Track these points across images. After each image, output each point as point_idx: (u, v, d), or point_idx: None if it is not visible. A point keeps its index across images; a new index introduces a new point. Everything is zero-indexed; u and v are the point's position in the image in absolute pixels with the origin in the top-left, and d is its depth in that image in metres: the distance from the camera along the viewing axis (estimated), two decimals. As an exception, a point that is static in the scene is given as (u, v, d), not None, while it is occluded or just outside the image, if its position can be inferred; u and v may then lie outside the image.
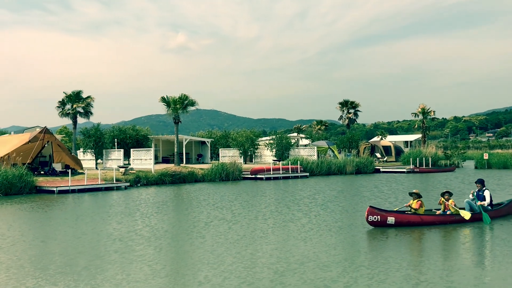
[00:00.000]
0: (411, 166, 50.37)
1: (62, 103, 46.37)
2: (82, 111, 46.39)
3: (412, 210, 15.79)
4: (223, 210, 19.77)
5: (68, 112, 46.24)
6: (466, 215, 15.74)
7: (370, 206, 15.70)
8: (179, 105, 42.98)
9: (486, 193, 16.35)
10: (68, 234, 14.54)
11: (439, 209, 16.48)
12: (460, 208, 16.18)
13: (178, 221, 17.25)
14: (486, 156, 55.43)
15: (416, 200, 15.80)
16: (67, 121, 49.59)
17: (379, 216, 15.35)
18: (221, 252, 11.81)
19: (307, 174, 43.49)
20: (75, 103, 45.86)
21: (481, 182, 16.63)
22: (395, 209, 16.88)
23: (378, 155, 60.45)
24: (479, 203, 16.25)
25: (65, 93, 46.00)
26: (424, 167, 51.32)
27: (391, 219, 15.39)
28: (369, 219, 15.40)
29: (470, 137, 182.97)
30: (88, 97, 46.66)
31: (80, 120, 47.13)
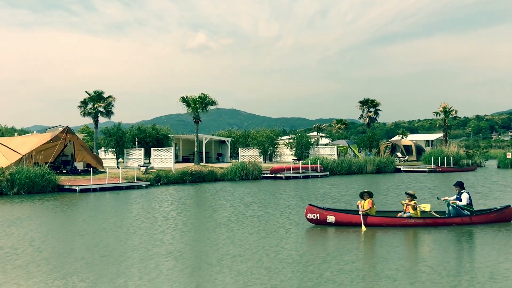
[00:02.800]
0: (433, 166, 49.82)
1: (84, 103, 46.86)
2: (103, 110, 46.82)
3: (363, 211, 15.14)
4: (241, 208, 19.75)
5: (89, 111, 46.72)
6: (427, 207, 15.44)
7: (310, 204, 15.71)
8: (199, 104, 43.12)
9: (464, 196, 15.51)
10: (92, 231, 14.67)
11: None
12: (436, 212, 15.64)
13: (199, 219, 17.27)
14: (509, 155, 54.59)
15: (367, 201, 15.37)
16: (89, 121, 50.18)
17: (318, 215, 15.27)
18: (236, 249, 11.79)
19: (327, 173, 43.28)
20: (97, 102, 46.31)
21: (459, 185, 15.87)
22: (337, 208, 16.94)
23: (399, 154, 59.92)
24: (454, 201, 15.68)
25: (88, 93, 46.45)
26: (445, 166, 50.74)
27: (331, 218, 15.20)
28: (308, 217, 15.40)
29: (493, 136, 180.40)
30: (109, 96, 47.08)
31: (101, 119, 47.65)
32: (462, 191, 15.70)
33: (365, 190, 15.86)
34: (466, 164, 55.97)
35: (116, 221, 17.03)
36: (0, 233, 14.82)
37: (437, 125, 67.18)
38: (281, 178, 39.29)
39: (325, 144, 59.37)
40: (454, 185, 16.13)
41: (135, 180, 31.87)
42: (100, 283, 9.18)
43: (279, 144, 54.07)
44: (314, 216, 15.31)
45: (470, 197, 15.70)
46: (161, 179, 34.37)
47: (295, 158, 48.87)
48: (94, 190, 28.92)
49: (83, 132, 70.15)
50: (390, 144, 62.79)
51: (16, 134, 48.95)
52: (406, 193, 15.79)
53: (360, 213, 14.99)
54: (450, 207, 15.52)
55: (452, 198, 15.99)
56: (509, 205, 15.84)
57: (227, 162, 49.64)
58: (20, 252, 12.06)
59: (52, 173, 29.63)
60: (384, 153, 57.29)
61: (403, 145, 62.81)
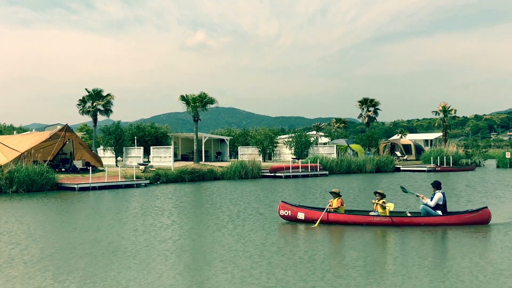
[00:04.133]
0: (432, 165, 49.80)
1: (83, 101, 46.73)
2: (102, 108, 46.67)
3: (332, 209, 15.54)
4: (240, 207, 19.71)
5: (88, 110, 46.57)
6: (391, 206, 15.33)
7: (282, 201, 16.34)
8: (198, 103, 43.02)
9: (436, 195, 15.21)
10: (93, 229, 14.64)
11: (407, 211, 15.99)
12: (412, 213, 15.62)
13: (198, 217, 17.22)
14: (508, 155, 54.62)
15: (336, 199, 15.73)
16: (88, 119, 50.02)
17: (290, 211, 15.81)
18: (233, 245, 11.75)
19: (327, 172, 43.25)
20: (96, 101, 46.18)
21: (436, 185, 15.55)
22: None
23: (398, 153, 59.89)
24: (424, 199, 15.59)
25: (87, 91, 46.33)
26: (445, 166, 50.73)
27: (301, 215, 15.67)
28: (280, 213, 16.02)
29: (491, 135, 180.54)
30: (108, 95, 46.97)
31: (100, 117, 47.43)
32: (437, 191, 15.39)
33: (333, 190, 16.21)
34: (466, 163, 55.96)
35: (116, 219, 16.99)
36: (3, 230, 14.82)
37: (436, 124, 67.17)
38: (280, 177, 39.24)
39: (324, 143, 59.33)
40: (431, 184, 15.80)
41: (134, 179, 31.80)
42: (101, 279, 9.19)
43: (278, 143, 54.02)
44: (286, 212, 15.90)
45: (444, 198, 15.36)
46: (160, 178, 34.30)
47: (294, 157, 48.83)
48: (93, 188, 28.84)
49: (82, 131, 70.06)
50: (389, 143, 62.75)
51: (14, 132, 48.86)
52: (376, 192, 15.88)
53: (327, 209, 15.40)
54: (421, 207, 15.47)
55: (427, 199, 15.72)
56: (486, 207, 15.43)
57: (226, 161, 49.60)
58: (25, 248, 12.17)
59: (51, 172, 29.54)
60: (383, 153, 57.24)
61: (402, 145, 62.78)
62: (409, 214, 15.47)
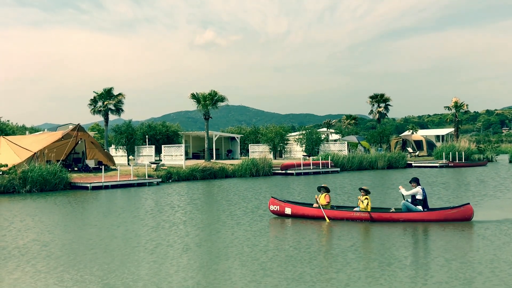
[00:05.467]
0: (444, 161, 49.52)
1: (94, 101, 46.94)
2: (113, 108, 46.84)
3: (318, 205, 15.87)
4: (253, 203, 19.72)
5: (99, 109, 46.78)
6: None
7: (272, 197, 17.10)
8: (208, 101, 43.10)
9: (414, 189, 15.21)
10: (107, 226, 14.74)
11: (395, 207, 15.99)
12: (397, 209, 15.57)
13: (211, 214, 17.26)
14: (521, 150, 54.17)
15: (323, 195, 16.05)
16: (99, 118, 50.26)
17: (278, 206, 16.49)
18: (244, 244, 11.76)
19: (338, 169, 43.15)
20: (107, 100, 46.38)
21: (415, 180, 15.51)
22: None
23: (409, 149, 59.63)
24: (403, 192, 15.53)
25: (96, 93, 46.52)
26: (457, 161, 50.42)
27: (288, 210, 16.31)
28: (270, 208, 16.70)
29: (503, 130, 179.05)
30: (119, 94, 47.14)
31: (112, 117, 47.61)
32: (417, 186, 15.36)
33: (322, 185, 16.56)
34: (478, 159, 55.59)
35: (131, 216, 17.12)
36: (21, 228, 15.02)
37: (448, 120, 66.78)
38: (291, 174, 39.21)
39: (335, 140, 59.19)
40: (410, 181, 15.76)
41: (146, 177, 31.91)
42: (120, 273, 9.32)
43: (289, 141, 53.97)
44: (275, 207, 16.57)
45: (424, 193, 15.30)
46: (172, 176, 34.41)
47: (305, 154, 48.76)
48: (106, 187, 28.98)
49: (93, 130, 70.34)
50: (401, 139, 62.47)
51: (27, 132, 49.19)
52: (360, 188, 15.97)
53: (321, 207, 15.72)
54: (402, 203, 15.48)
55: (409, 192, 15.56)
56: (468, 203, 15.33)
57: (237, 159, 49.62)
58: (45, 245, 12.47)
59: (64, 171, 29.71)
60: (394, 149, 57.02)
61: (414, 140, 62.50)
62: (393, 210, 15.51)
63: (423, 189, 15.40)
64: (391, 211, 15.43)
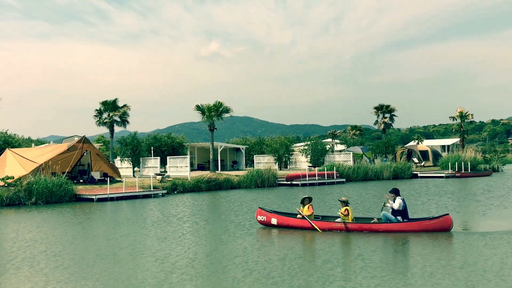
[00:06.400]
0: (450, 171, 49.32)
1: (99, 112, 47.10)
2: (118, 119, 46.96)
3: (302, 215, 16.10)
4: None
5: (105, 121, 46.93)
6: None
7: (259, 207, 17.42)
8: (213, 112, 43.17)
9: (396, 201, 15.33)
10: (114, 237, 14.76)
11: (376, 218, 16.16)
12: (378, 219, 15.71)
13: (217, 225, 17.24)
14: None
15: (307, 206, 16.31)
16: (104, 130, 50.44)
17: (265, 217, 16.81)
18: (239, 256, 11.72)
19: (344, 180, 43.02)
20: (112, 112, 46.52)
21: (395, 191, 15.67)
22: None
23: (415, 160, 59.45)
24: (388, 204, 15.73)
25: (101, 103, 46.68)
26: (463, 171, 50.22)
27: (274, 220, 16.59)
28: (258, 218, 17.03)
29: (509, 140, 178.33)
30: (124, 105, 47.30)
31: (117, 128, 47.73)
32: (396, 197, 15.48)
33: (306, 196, 16.86)
34: (484, 168, 55.36)
35: (137, 228, 17.12)
36: (30, 239, 15.12)
37: (453, 130, 66.61)
38: (297, 185, 39.12)
39: (340, 151, 59.09)
40: (390, 192, 15.91)
41: (152, 189, 31.90)
42: (126, 285, 9.33)
43: (294, 151, 53.91)
44: (262, 218, 16.89)
45: (404, 204, 15.43)
46: (177, 188, 34.39)
47: (310, 165, 48.65)
48: (111, 199, 28.98)
49: (99, 142, 70.59)
50: (406, 149, 62.31)
51: (33, 144, 49.36)
52: (339, 200, 16.28)
53: (306, 218, 15.92)
54: (381, 213, 15.61)
55: (390, 204, 15.75)
56: (447, 214, 15.36)
57: (242, 170, 49.58)
58: (54, 256, 12.69)
59: (69, 183, 29.74)
60: (400, 159, 56.85)
61: (419, 151, 62.30)
62: (375, 221, 15.65)
63: (403, 200, 15.57)
64: (372, 221, 15.63)
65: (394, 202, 15.43)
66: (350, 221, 15.43)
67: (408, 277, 9.82)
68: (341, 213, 15.64)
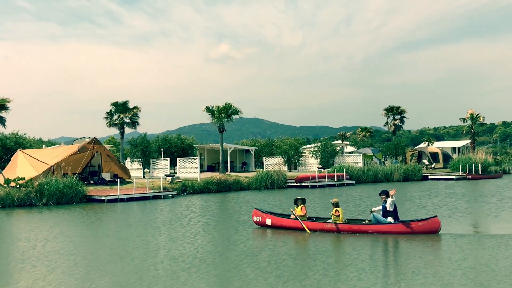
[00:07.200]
0: (461, 173, 49.04)
1: (110, 114, 47.32)
2: (129, 121, 47.19)
3: (295, 216, 16.41)
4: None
5: (115, 122, 47.13)
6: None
7: (255, 208, 17.88)
8: (223, 114, 43.23)
9: (388, 202, 15.48)
10: (126, 237, 14.86)
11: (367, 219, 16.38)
12: (369, 221, 15.92)
13: (226, 226, 17.30)
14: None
15: (300, 207, 16.63)
16: (115, 131, 50.59)
17: (260, 217, 17.20)
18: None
19: (353, 181, 42.92)
20: (122, 113, 46.74)
21: (385, 193, 15.85)
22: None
23: (425, 161, 59.19)
24: (374, 209, 15.99)
25: (113, 104, 46.91)
26: (474, 173, 49.92)
27: (268, 221, 16.95)
28: (254, 219, 17.44)
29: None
30: (135, 107, 47.49)
31: (127, 130, 47.97)
32: (387, 199, 15.66)
33: (299, 197, 17.24)
34: (495, 171, 54.99)
35: (147, 228, 17.23)
36: (43, 239, 15.26)
37: (464, 131, 66.26)
38: (306, 187, 39.08)
39: (350, 152, 58.94)
40: (380, 194, 16.13)
41: (162, 190, 32.01)
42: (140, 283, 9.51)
43: (303, 153, 53.84)
44: (257, 218, 17.28)
45: (395, 205, 15.63)
46: (187, 189, 34.49)
47: (320, 166, 48.58)
48: (122, 200, 29.11)
49: (109, 143, 70.91)
50: (417, 151, 62.03)
51: (44, 145, 49.70)
52: (331, 202, 16.54)
53: (299, 219, 16.24)
54: (372, 215, 15.81)
55: (377, 208, 16.06)
56: (435, 216, 15.50)
57: (251, 171, 49.59)
58: (70, 255, 12.95)
59: (80, 184, 29.91)
60: (410, 161, 56.61)
61: (430, 153, 62.04)
62: (366, 222, 15.91)
63: (393, 201, 15.73)
64: (363, 223, 15.90)
65: (385, 203, 15.61)
66: (341, 222, 15.74)
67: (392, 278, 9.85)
68: (332, 214, 16.00)
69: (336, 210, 15.88)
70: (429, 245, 13.52)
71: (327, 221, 16.11)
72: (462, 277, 9.89)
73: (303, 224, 16.01)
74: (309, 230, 15.85)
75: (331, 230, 15.69)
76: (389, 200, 15.52)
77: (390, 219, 15.46)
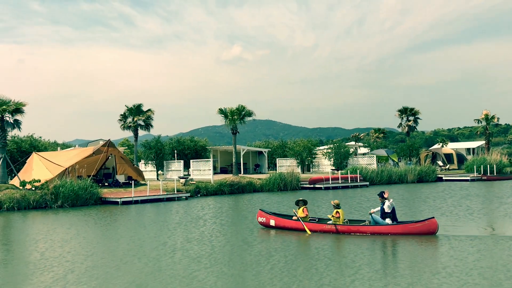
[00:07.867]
0: (476, 174, 48.61)
1: (124, 117, 47.62)
2: (142, 123, 47.45)
3: (297, 217, 16.71)
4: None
5: (129, 125, 47.42)
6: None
7: (260, 209, 18.24)
8: (236, 116, 43.29)
9: (386, 203, 15.76)
10: (142, 239, 14.93)
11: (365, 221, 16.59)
12: (369, 222, 16.12)
13: (240, 227, 17.34)
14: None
15: (301, 208, 16.93)
16: (129, 134, 50.92)
17: (265, 218, 17.60)
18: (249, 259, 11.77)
19: (367, 183, 42.73)
20: (136, 116, 47.02)
21: (381, 195, 16.11)
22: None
23: (440, 163, 58.77)
24: (372, 210, 16.24)
25: (127, 107, 47.24)
26: (489, 174, 49.45)
27: (272, 221, 17.35)
28: (259, 220, 17.87)
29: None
30: (149, 110, 47.75)
31: (141, 132, 48.19)
32: (384, 201, 15.93)
33: (300, 199, 17.46)
34: (510, 172, 54.44)
35: (163, 230, 17.36)
36: (59, 240, 15.44)
37: (478, 132, 65.71)
38: (320, 188, 39.01)
39: (364, 154, 58.72)
40: (378, 194, 16.38)
41: (175, 192, 32.17)
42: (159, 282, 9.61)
43: (317, 154, 53.73)
44: (262, 219, 17.69)
45: (393, 206, 15.84)
46: (200, 191, 34.61)
47: (333, 168, 48.46)
48: (136, 202, 29.29)
49: (123, 145, 71.28)
50: (431, 152, 61.63)
51: (58, 148, 50.16)
52: (332, 203, 16.77)
53: (301, 220, 16.55)
54: (370, 217, 16.03)
55: (376, 209, 16.27)
56: (433, 217, 15.51)
57: (265, 173, 49.60)
58: (84, 256, 13.10)
59: (94, 186, 30.15)
60: (424, 162, 56.25)
61: (444, 154, 61.60)
62: (367, 223, 16.11)
63: (391, 203, 15.94)
64: (364, 224, 16.12)
65: (383, 205, 15.87)
66: (341, 223, 16.01)
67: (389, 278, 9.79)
68: (333, 216, 16.26)
69: (337, 212, 16.19)
70: (429, 246, 13.56)
71: (327, 223, 16.37)
72: (462, 277, 9.86)
73: (304, 225, 16.35)
74: (310, 231, 16.19)
75: (331, 231, 16.02)
76: (387, 203, 15.78)
77: (388, 220, 15.70)
